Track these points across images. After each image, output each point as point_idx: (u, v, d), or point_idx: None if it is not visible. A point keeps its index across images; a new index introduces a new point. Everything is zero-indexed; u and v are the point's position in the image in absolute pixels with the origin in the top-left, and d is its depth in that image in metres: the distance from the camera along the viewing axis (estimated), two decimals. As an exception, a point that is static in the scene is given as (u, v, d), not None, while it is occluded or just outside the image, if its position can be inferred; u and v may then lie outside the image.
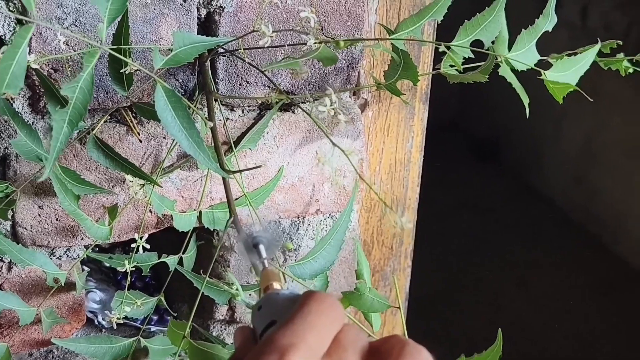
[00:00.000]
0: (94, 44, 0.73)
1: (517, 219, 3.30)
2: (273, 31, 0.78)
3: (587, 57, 0.91)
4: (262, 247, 0.64)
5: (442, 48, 0.86)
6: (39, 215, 0.90)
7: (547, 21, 0.91)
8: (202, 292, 0.88)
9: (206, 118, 0.84)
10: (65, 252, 0.96)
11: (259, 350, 0.48)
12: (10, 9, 0.80)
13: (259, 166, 0.94)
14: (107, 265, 0.98)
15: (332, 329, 0.50)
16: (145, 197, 0.87)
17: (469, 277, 2.87)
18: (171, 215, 0.92)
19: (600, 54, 0.94)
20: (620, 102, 2.89)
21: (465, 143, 3.85)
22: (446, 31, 0.96)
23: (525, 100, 0.86)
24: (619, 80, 0.93)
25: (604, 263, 2.98)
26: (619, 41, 0.92)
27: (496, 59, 0.88)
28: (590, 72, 0.91)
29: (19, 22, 0.81)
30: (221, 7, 0.88)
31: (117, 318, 0.89)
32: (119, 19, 0.73)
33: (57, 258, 0.95)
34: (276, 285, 0.59)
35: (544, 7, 0.88)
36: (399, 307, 0.95)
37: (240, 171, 0.88)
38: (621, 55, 0.97)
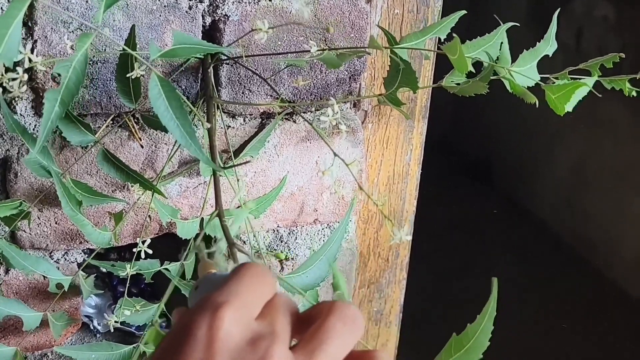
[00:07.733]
0: (90, 25, 0.73)
1: (507, 240, 3.31)
2: (269, 27, 0.77)
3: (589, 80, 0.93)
4: (220, 246, 0.65)
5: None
6: (39, 218, 0.90)
7: (548, 45, 0.92)
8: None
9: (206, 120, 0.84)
10: (64, 255, 0.96)
11: (194, 308, 0.49)
12: None
13: (248, 161, 0.93)
14: (103, 270, 0.98)
15: (264, 293, 0.52)
16: (148, 201, 0.87)
17: (457, 295, 2.87)
18: (171, 222, 0.92)
19: (602, 69, 0.95)
20: (613, 126, 2.90)
21: (458, 162, 3.86)
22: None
23: (533, 99, 0.87)
24: (613, 105, 0.94)
25: (593, 286, 2.99)
26: (621, 54, 0.92)
27: (495, 74, 0.89)
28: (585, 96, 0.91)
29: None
30: (226, 15, 0.89)
31: (115, 321, 0.89)
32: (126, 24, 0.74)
33: (55, 261, 0.95)
34: (213, 271, 0.60)
35: (537, 32, 0.89)
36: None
37: (233, 166, 0.88)
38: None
